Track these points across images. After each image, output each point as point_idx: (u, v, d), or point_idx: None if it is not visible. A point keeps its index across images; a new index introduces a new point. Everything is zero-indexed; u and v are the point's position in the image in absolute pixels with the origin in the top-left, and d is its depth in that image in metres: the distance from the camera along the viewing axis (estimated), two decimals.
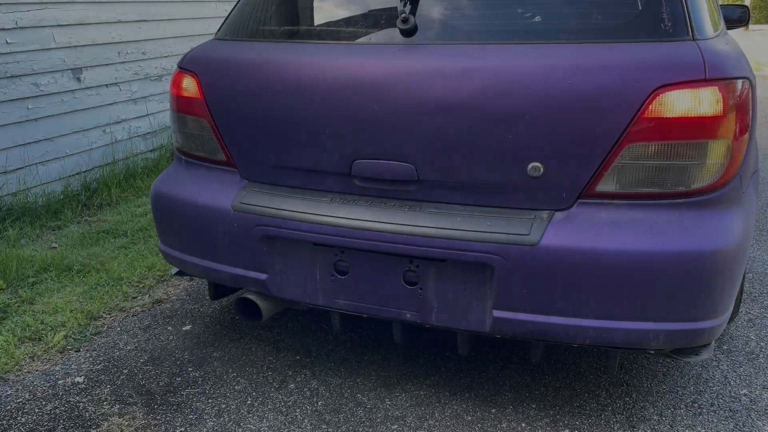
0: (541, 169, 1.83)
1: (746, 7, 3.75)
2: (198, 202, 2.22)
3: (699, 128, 1.73)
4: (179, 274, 2.53)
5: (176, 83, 2.31)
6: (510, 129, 1.82)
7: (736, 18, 3.68)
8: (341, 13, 2.23)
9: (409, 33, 1.97)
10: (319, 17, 2.30)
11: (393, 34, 2.01)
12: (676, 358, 2.01)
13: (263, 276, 2.15)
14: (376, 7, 2.12)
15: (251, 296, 2.22)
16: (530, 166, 1.84)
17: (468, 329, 1.96)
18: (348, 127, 1.98)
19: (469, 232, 1.86)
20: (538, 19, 2.03)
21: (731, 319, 2.36)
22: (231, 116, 2.17)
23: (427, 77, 1.87)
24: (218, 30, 2.42)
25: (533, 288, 1.83)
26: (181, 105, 2.30)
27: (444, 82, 1.85)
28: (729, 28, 3.40)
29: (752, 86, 1.87)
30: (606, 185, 1.82)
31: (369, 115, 1.94)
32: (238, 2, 2.43)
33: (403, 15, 1.93)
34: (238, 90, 2.13)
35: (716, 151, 1.77)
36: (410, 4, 1.95)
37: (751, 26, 26.55)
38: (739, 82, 1.78)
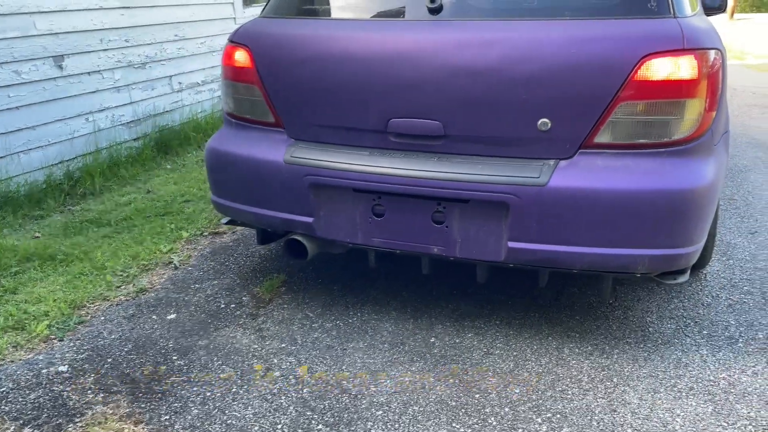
0: (549, 125, 2.16)
1: None
2: (252, 156, 2.53)
3: (678, 89, 2.06)
4: (230, 222, 2.81)
5: (229, 55, 2.60)
6: (523, 90, 2.15)
7: (716, 6, 3.97)
8: None
9: (436, 11, 2.32)
10: None
11: (423, 11, 2.34)
12: (659, 282, 2.47)
13: (310, 219, 2.47)
14: None
15: (299, 237, 2.55)
16: (540, 121, 2.16)
17: (487, 259, 2.30)
18: (385, 90, 2.30)
19: (489, 176, 2.19)
20: None
21: (706, 262, 2.90)
22: (280, 83, 2.48)
23: (452, 47, 2.20)
24: (263, 9, 2.75)
25: (542, 222, 2.16)
26: (234, 74, 2.60)
27: (467, 51, 2.18)
28: (709, 14, 3.74)
29: (723, 57, 2.21)
30: (603, 137, 2.15)
31: (403, 80, 2.26)
32: None
33: None
34: (287, 60, 2.44)
35: (692, 109, 2.10)
36: None
37: (735, 15, 26.73)
38: (712, 52, 2.12)
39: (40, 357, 2.44)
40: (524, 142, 2.21)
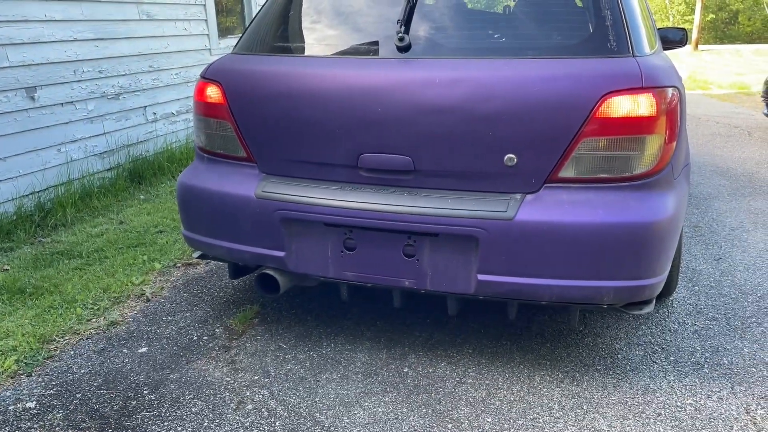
0: (515, 160, 2.21)
1: (685, 29, 4.27)
2: (223, 191, 2.55)
3: (638, 126, 2.14)
4: (201, 257, 2.80)
5: (201, 91, 2.63)
6: (489, 127, 2.20)
7: (678, 40, 4.18)
8: (345, 33, 2.61)
9: (404, 49, 2.37)
10: (327, 35, 2.64)
11: (392, 49, 2.40)
12: (626, 312, 2.53)
13: (281, 254, 2.49)
14: (377, 28, 2.53)
15: (271, 272, 2.55)
16: (506, 157, 2.22)
17: (457, 292, 2.33)
18: (355, 126, 2.34)
19: (458, 210, 2.24)
20: (511, 39, 2.45)
21: (671, 290, 2.98)
22: (252, 119, 2.51)
23: (421, 85, 2.25)
24: (235, 46, 2.78)
25: (510, 255, 2.21)
26: (206, 109, 2.63)
27: (435, 89, 2.24)
28: (670, 48, 3.94)
29: (681, 94, 2.29)
30: (567, 172, 2.21)
31: (373, 116, 2.31)
32: (252, 21, 2.81)
33: (400, 35, 2.34)
34: (259, 96, 2.48)
35: (652, 144, 2.17)
36: (405, 26, 2.36)
37: (700, 46, 27.59)
38: (670, 90, 2.20)
39: (8, 393, 2.40)
40: (492, 177, 2.26)
